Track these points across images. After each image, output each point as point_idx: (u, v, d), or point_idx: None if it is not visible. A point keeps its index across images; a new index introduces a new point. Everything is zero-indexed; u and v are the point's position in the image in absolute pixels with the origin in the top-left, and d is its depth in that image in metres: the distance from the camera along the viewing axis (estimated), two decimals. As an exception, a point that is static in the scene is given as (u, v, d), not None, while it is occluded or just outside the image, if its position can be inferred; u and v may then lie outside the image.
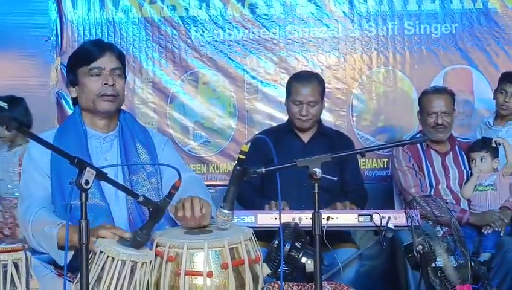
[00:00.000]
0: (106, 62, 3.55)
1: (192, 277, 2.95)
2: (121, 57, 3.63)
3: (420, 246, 3.66)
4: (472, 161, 5.27)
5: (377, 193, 5.93)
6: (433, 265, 3.68)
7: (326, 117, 6.21)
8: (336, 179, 3.15)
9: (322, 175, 3.07)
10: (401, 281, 4.90)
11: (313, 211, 3.09)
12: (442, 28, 6.34)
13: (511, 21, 6.32)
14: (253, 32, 6.35)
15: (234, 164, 3.13)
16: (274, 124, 5.84)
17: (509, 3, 6.31)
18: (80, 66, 3.57)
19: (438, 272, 3.64)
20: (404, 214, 4.03)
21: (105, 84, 3.52)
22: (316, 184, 3.09)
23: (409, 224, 3.78)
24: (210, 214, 3.24)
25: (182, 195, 3.23)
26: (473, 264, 4.67)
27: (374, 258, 5.72)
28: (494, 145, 5.26)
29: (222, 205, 3.11)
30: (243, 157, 3.08)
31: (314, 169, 3.06)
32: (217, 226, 3.16)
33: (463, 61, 6.34)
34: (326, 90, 5.79)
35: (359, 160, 6.03)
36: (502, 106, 5.67)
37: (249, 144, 3.08)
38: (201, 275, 2.94)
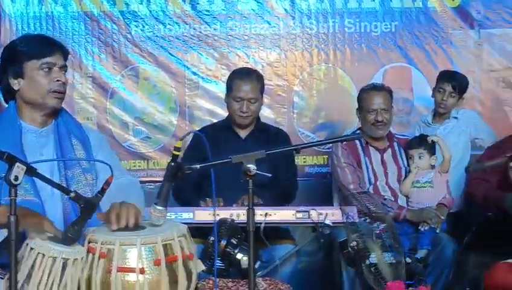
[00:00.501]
0: (58, 59, 3.52)
1: (124, 273, 2.93)
2: (67, 56, 3.61)
3: (354, 243, 3.69)
4: (410, 157, 5.30)
5: (317, 190, 5.97)
6: (367, 262, 3.70)
7: (267, 114, 6.22)
8: (270, 175, 3.14)
9: (257, 171, 3.07)
10: (337, 277, 4.93)
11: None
12: (382, 26, 6.38)
13: (449, 20, 6.38)
14: (194, 28, 6.31)
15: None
16: (215, 120, 5.81)
17: (448, 2, 6.38)
18: (28, 59, 3.51)
19: (372, 268, 3.66)
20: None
21: (57, 80, 3.49)
22: (251, 180, 3.08)
23: (345, 220, 3.80)
24: (139, 220, 3.19)
25: (115, 198, 3.19)
26: (409, 261, 4.75)
27: (313, 254, 5.73)
28: (431, 143, 5.32)
29: (156, 201, 3.10)
30: (177, 153, 3.07)
31: (249, 165, 3.06)
32: (151, 222, 3.14)
33: (402, 60, 6.39)
34: (267, 87, 5.80)
35: (299, 157, 6.12)
36: (439, 104, 5.72)
37: (183, 140, 3.06)
38: (134, 271, 2.92)
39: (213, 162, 3.16)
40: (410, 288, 3.43)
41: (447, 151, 5.22)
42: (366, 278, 3.71)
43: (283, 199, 4.94)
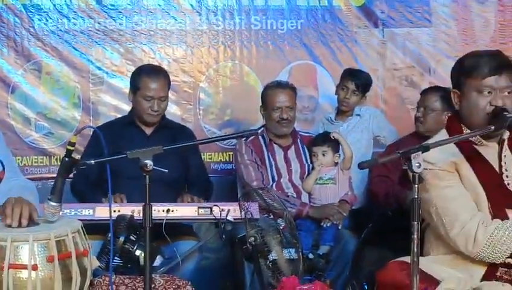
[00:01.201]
0: None
1: (17, 270, 2.88)
2: None
3: (252, 238, 3.70)
4: (314, 155, 5.34)
5: (222, 186, 5.95)
6: (267, 257, 3.71)
7: (173, 110, 6.17)
8: (166, 171, 3.12)
9: (154, 167, 3.05)
10: (239, 273, 4.93)
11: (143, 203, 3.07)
12: (288, 23, 6.41)
13: (354, 18, 6.45)
14: (99, 23, 6.22)
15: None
16: (120, 116, 5.75)
17: (352, 1, 6.44)
18: None
19: (270, 264, 3.67)
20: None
21: None
22: (148, 176, 3.06)
23: (243, 216, 3.80)
24: (34, 216, 3.13)
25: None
26: (312, 256, 4.80)
27: (217, 251, 5.74)
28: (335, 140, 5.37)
29: (50, 197, 3.05)
30: (72, 148, 3.03)
31: (146, 161, 3.03)
32: (45, 218, 3.09)
33: (308, 57, 6.43)
34: (174, 83, 5.77)
35: (205, 153, 6.11)
36: (342, 102, 5.78)
37: (77, 135, 3.02)
38: (26, 268, 2.87)
39: (108, 158, 3.12)
40: (305, 283, 3.44)
41: (348, 149, 5.28)
42: (264, 274, 3.72)
43: (206, 197, 4.93)
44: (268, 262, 3.67)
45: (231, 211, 4.20)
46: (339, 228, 5.10)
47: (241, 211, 3.91)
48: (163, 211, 4.21)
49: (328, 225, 5.08)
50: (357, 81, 5.74)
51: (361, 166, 2.97)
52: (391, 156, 2.93)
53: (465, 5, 6.55)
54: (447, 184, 3.31)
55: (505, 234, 3.19)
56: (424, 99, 5.34)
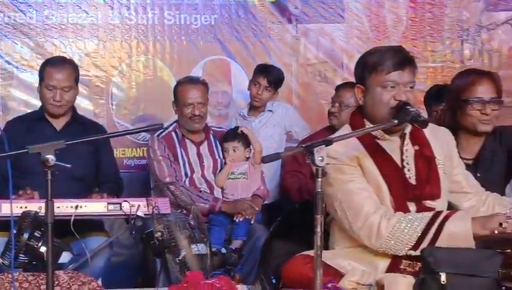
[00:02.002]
0: None
1: None
2: None
3: (159, 233, 3.68)
4: (225, 150, 5.34)
5: (136, 182, 5.92)
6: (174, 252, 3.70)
7: (85, 105, 6.11)
8: (69, 166, 3.07)
9: (56, 163, 3.00)
10: (150, 269, 4.91)
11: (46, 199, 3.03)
12: (202, 18, 6.39)
13: (268, 14, 6.47)
14: (8, 16, 6.09)
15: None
16: (30, 111, 5.64)
17: (266, -4, 6.48)
18: None
19: (177, 259, 3.66)
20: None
21: None
22: (49, 171, 3.01)
23: (151, 211, 3.78)
24: None
25: None
26: (224, 251, 4.79)
27: (130, 247, 5.71)
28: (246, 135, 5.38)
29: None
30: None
31: (47, 156, 2.98)
32: None
33: (222, 52, 6.42)
34: (85, 78, 5.71)
35: (119, 149, 6.05)
36: (255, 97, 5.78)
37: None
38: None
39: (8, 153, 3.06)
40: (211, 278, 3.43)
41: (258, 143, 5.30)
42: (171, 269, 3.70)
43: (116, 195, 4.87)
44: (175, 257, 3.65)
45: (141, 206, 4.16)
46: (252, 222, 5.12)
47: (148, 207, 3.88)
48: (72, 207, 4.15)
49: (241, 219, 5.10)
50: (269, 77, 5.75)
51: (264, 160, 2.98)
52: (294, 150, 2.95)
53: (377, 1, 6.64)
54: (350, 178, 3.35)
55: (406, 227, 3.24)
56: (339, 94, 5.38)
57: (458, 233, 3.21)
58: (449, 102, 4.24)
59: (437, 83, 6.19)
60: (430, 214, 3.29)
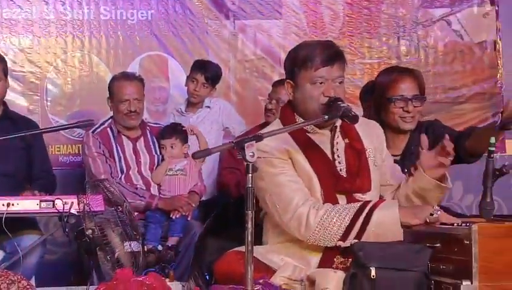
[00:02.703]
0: None
1: None
2: None
3: (90, 231, 3.64)
4: (163, 147, 5.32)
5: (72, 179, 5.85)
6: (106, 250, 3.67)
7: (19, 101, 6.05)
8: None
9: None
10: (84, 266, 4.86)
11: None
12: (139, 14, 6.34)
13: (205, 10, 6.42)
14: None
15: None
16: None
17: (202, -9, 6.46)
18: None
19: (108, 257, 3.63)
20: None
21: None
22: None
23: (82, 209, 3.74)
24: None
25: None
26: (160, 248, 4.78)
27: (65, 245, 5.64)
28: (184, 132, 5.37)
29: None
30: None
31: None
32: None
33: (159, 48, 6.38)
34: (20, 73, 5.63)
35: (54, 145, 5.98)
36: (192, 94, 5.77)
37: None
38: None
39: None
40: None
41: (205, 142, 5.30)
42: (103, 267, 3.67)
43: (49, 191, 4.80)
44: (107, 255, 3.62)
45: (75, 204, 4.11)
46: (188, 219, 5.12)
47: (79, 204, 3.84)
48: (3, 205, 4.09)
49: (177, 216, 5.09)
50: (206, 73, 5.74)
51: (194, 156, 2.96)
52: (224, 146, 2.94)
53: (315, -3, 6.66)
54: (280, 171, 3.36)
55: (335, 217, 3.26)
56: (276, 91, 5.39)
57: (386, 222, 3.23)
58: (373, 100, 4.27)
59: (373, 79, 6.23)
60: (358, 204, 3.32)
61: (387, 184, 3.63)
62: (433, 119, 4.46)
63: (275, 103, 5.33)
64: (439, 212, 3.24)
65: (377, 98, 4.20)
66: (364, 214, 3.25)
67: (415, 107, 4.07)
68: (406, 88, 4.08)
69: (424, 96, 4.14)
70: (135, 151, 5.32)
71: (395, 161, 3.84)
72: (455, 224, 3.12)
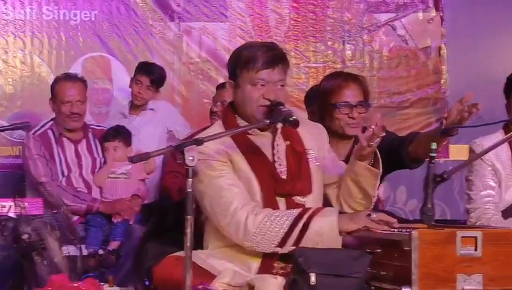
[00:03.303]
0: None
1: None
2: None
3: (26, 235, 3.57)
4: (105, 150, 5.26)
5: (12, 181, 5.75)
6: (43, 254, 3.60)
7: (-41, 102, 5.93)
8: None
9: None
10: (23, 271, 4.77)
11: None
12: (82, 14, 6.26)
13: (150, 11, 6.39)
14: None
15: None
16: None
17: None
18: None
19: (46, 261, 3.56)
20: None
21: None
22: None
23: (19, 213, 3.67)
24: None
25: None
26: (102, 252, 4.72)
27: (5, 249, 5.52)
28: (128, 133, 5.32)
29: None
30: None
31: None
32: None
33: (102, 49, 6.31)
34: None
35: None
36: (136, 96, 5.75)
37: None
38: None
39: None
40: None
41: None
42: (40, 271, 3.60)
43: None
44: (44, 260, 3.55)
45: (13, 207, 4.03)
46: (130, 223, 5.06)
47: (16, 207, 3.76)
48: None
49: (119, 220, 5.03)
50: (151, 76, 5.72)
51: (132, 160, 2.91)
52: (164, 150, 2.90)
53: (260, 0, 6.63)
54: (220, 174, 3.31)
55: (273, 223, 3.22)
56: (221, 93, 5.36)
57: (324, 229, 3.20)
58: (317, 105, 4.25)
59: (318, 83, 6.23)
60: (297, 211, 3.27)
61: (332, 182, 3.61)
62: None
63: (220, 105, 5.29)
64: (374, 215, 3.22)
65: (321, 103, 4.18)
66: (303, 221, 3.22)
67: (359, 113, 4.04)
68: (351, 94, 4.05)
69: (368, 103, 4.12)
70: (77, 154, 5.26)
71: None
72: (394, 230, 3.12)
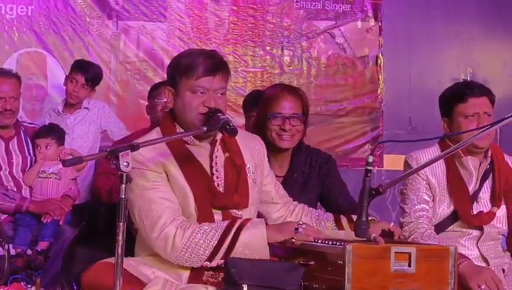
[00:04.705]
0: None
1: None
2: None
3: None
4: (37, 147, 5.16)
5: None
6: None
7: None
8: None
9: None
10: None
11: None
12: (18, 9, 6.16)
13: (88, 8, 6.34)
14: None
15: None
16: None
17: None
18: None
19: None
20: None
21: None
22: None
23: None
24: None
25: None
26: (30, 253, 4.62)
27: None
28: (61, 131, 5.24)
29: None
30: None
31: None
32: None
33: (38, 45, 6.22)
34: None
35: None
36: (71, 94, 5.67)
37: None
38: None
39: None
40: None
41: None
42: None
43: None
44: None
45: None
46: (60, 223, 4.98)
47: None
48: None
49: (49, 220, 4.94)
50: (86, 74, 5.65)
51: (65, 164, 2.84)
52: (98, 154, 2.84)
53: (200, 2, 6.61)
54: (153, 185, 3.25)
55: (202, 238, 3.18)
56: (156, 94, 5.30)
57: (253, 241, 3.18)
58: (257, 113, 4.23)
59: (256, 88, 6.24)
60: (225, 223, 3.23)
61: (271, 202, 3.61)
62: (326, 155, 4.39)
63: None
64: (304, 225, 3.21)
65: (259, 112, 4.16)
66: (231, 234, 3.18)
67: (293, 126, 4.02)
68: (285, 106, 4.02)
69: (303, 116, 4.09)
70: (7, 152, 5.15)
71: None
72: (319, 241, 3.12)
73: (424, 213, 3.87)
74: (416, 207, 3.89)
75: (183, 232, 3.18)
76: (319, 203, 4.25)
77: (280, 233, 3.22)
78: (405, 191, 3.96)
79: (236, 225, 3.21)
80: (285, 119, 3.99)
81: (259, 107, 4.18)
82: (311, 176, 4.18)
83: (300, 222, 3.25)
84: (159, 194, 3.25)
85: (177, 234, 3.18)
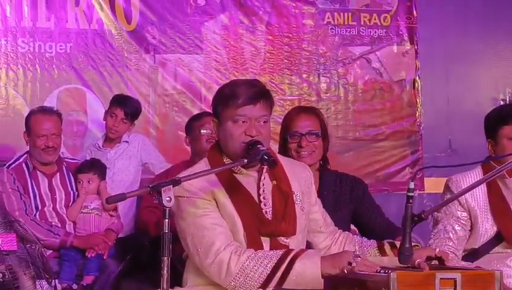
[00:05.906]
0: None
1: None
2: None
3: (0, 275, 3.52)
4: (79, 182, 5.21)
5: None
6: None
7: None
8: None
9: None
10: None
11: None
12: (57, 46, 6.25)
13: (125, 43, 6.39)
14: None
15: None
16: None
17: (124, 25, 6.37)
18: None
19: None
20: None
21: None
22: None
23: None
24: None
25: None
26: (75, 287, 4.67)
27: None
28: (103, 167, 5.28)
29: None
30: None
31: None
32: None
33: (77, 81, 6.29)
34: None
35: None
36: (111, 129, 5.71)
37: None
38: None
39: None
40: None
41: None
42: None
43: None
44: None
45: (-13, 243, 3.99)
46: (104, 257, 5.01)
47: (-12, 245, 3.73)
48: None
49: (93, 255, 4.97)
50: (126, 109, 5.69)
51: (108, 201, 2.88)
52: (140, 191, 2.87)
53: (236, 33, 6.65)
54: (203, 213, 3.27)
55: (256, 264, 3.19)
56: (200, 125, 5.35)
57: (307, 272, 3.18)
58: (279, 138, 4.33)
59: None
60: (280, 252, 3.25)
61: (318, 231, 3.61)
62: (357, 178, 4.45)
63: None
64: (358, 259, 3.20)
65: (280, 136, 4.28)
66: (286, 263, 3.19)
67: (310, 142, 4.12)
68: (301, 125, 4.16)
69: (318, 132, 4.18)
70: (50, 188, 5.19)
71: None
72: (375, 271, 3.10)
73: (445, 242, 3.89)
74: (441, 236, 3.91)
75: (237, 258, 3.20)
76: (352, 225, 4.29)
77: (334, 267, 3.21)
78: (437, 217, 3.97)
79: (291, 254, 3.21)
80: (301, 136, 4.14)
81: (280, 132, 4.27)
82: (342, 194, 4.27)
83: (356, 254, 3.24)
84: (210, 221, 3.27)
85: (231, 260, 3.19)
